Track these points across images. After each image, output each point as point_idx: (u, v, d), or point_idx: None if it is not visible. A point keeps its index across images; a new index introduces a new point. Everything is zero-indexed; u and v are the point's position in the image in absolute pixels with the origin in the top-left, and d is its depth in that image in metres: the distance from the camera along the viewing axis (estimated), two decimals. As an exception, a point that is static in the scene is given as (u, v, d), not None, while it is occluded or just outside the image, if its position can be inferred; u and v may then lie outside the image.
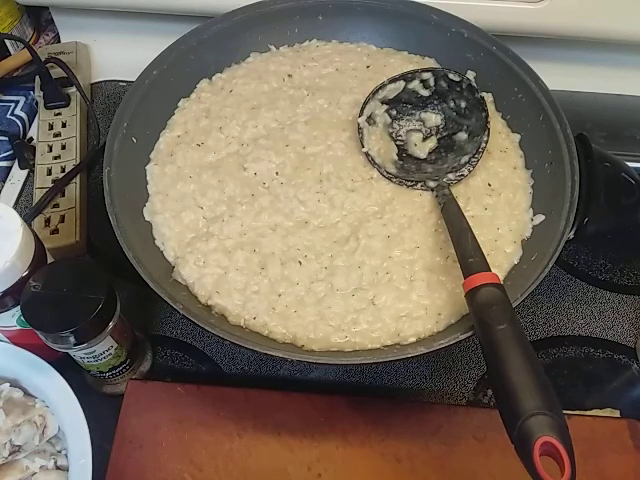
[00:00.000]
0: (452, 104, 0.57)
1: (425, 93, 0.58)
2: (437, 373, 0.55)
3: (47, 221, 0.61)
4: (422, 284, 0.48)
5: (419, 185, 0.54)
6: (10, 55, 0.77)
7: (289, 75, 0.62)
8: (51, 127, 0.69)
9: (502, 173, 0.55)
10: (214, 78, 0.62)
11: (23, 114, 0.73)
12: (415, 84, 0.57)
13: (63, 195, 0.63)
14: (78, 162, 0.65)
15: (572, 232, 0.49)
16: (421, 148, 0.57)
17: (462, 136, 0.57)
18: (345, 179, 0.54)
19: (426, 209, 0.53)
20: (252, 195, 0.53)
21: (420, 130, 0.59)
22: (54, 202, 0.62)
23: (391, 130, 0.58)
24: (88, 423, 0.44)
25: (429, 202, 0.53)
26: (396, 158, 0.57)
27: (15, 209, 0.46)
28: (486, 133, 0.54)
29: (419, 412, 0.49)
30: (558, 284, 0.61)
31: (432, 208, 0.53)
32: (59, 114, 0.70)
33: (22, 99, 0.74)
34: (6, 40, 0.76)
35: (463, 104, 0.57)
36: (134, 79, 0.57)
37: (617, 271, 0.62)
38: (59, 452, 0.46)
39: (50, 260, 0.48)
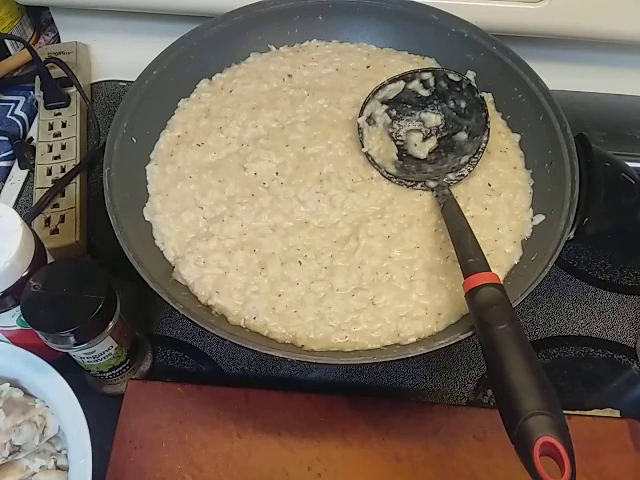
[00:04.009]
0: (452, 104, 0.57)
1: (425, 93, 0.58)
2: (437, 373, 0.55)
3: (47, 221, 0.61)
4: (422, 284, 0.48)
5: (419, 185, 0.54)
6: (10, 55, 0.77)
7: (289, 75, 0.62)
8: (51, 127, 0.69)
9: (502, 173, 0.55)
10: (214, 78, 0.62)
11: (23, 114, 0.73)
12: (415, 84, 0.57)
13: (63, 195, 0.63)
14: (78, 162, 0.65)
15: (572, 232, 0.49)
16: (421, 148, 0.57)
17: (462, 136, 0.57)
18: (345, 179, 0.54)
19: (426, 209, 0.53)
20: (252, 195, 0.53)
21: (420, 130, 0.59)
22: (54, 202, 0.62)
23: (391, 130, 0.58)
24: (88, 423, 0.44)
25: (429, 202, 0.53)
26: (396, 158, 0.57)
27: (15, 209, 0.46)
28: (486, 133, 0.54)
29: (419, 412, 0.49)
30: (558, 284, 0.61)
31: (432, 208, 0.53)
32: (59, 114, 0.70)
33: (22, 99, 0.74)
34: (6, 40, 0.76)
35: (463, 104, 0.57)
36: (134, 79, 0.57)
37: (617, 271, 0.62)
38: (59, 452, 0.46)
39: (50, 260, 0.48)
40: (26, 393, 0.47)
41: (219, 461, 0.47)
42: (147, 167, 0.56)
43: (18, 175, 0.68)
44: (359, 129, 0.56)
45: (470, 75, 0.60)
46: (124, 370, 0.51)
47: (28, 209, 0.64)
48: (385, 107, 0.58)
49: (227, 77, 0.62)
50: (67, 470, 0.45)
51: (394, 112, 0.58)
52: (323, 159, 0.55)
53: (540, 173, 0.54)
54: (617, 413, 0.52)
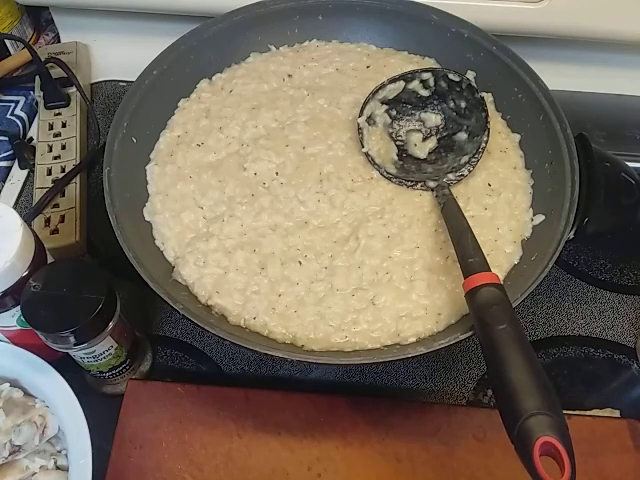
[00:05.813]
0: (452, 104, 0.57)
1: (425, 93, 0.58)
2: (437, 373, 0.55)
3: (47, 221, 0.61)
4: (422, 284, 0.48)
5: (419, 185, 0.54)
6: (10, 55, 0.77)
7: (289, 75, 0.62)
8: (51, 127, 0.69)
9: (502, 173, 0.55)
10: (214, 78, 0.62)
11: (23, 114, 0.73)
12: (415, 84, 0.57)
13: (63, 195, 0.63)
14: (78, 162, 0.65)
15: (572, 232, 0.49)
16: (421, 148, 0.57)
17: (462, 136, 0.57)
18: (345, 179, 0.54)
19: (426, 209, 0.53)
20: (252, 195, 0.53)
21: (420, 130, 0.59)
22: (54, 202, 0.62)
23: (391, 130, 0.58)
24: (88, 423, 0.44)
25: (429, 202, 0.53)
26: (396, 158, 0.57)
27: (15, 209, 0.46)
28: (486, 133, 0.54)
29: (419, 412, 0.49)
30: (558, 284, 0.61)
31: (432, 208, 0.53)
32: (59, 114, 0.70)
33: (22, 99, 0.74)
34: (6, 40, 0.76)
35: (463, 104, 0.57)
36: (134, 79, 0.57)
37: (617, 271, 0.62)
38: (59, 452, 0.46)
39: (50, 260, 0.48)
40: (26, 393, 0.47)
41: (219, 461, 0.47)
42: (147, 167, 0.56)
43: (18, 175, 0.69)
44: (359, 129, 0.56)
45: (470, 75, 0.60)
46: (124, 370, 0.51)
47: (28, 209, 0.64)
48: (385, 107, 0.58)
49: (227, 77, 0.62)
50: (67, 470, 0.45)
51: (394, 112, 0.58)
52: (323, 159, 0.55)
53: (540, 173, 0.54)
54: (617, 413, 0.52)
